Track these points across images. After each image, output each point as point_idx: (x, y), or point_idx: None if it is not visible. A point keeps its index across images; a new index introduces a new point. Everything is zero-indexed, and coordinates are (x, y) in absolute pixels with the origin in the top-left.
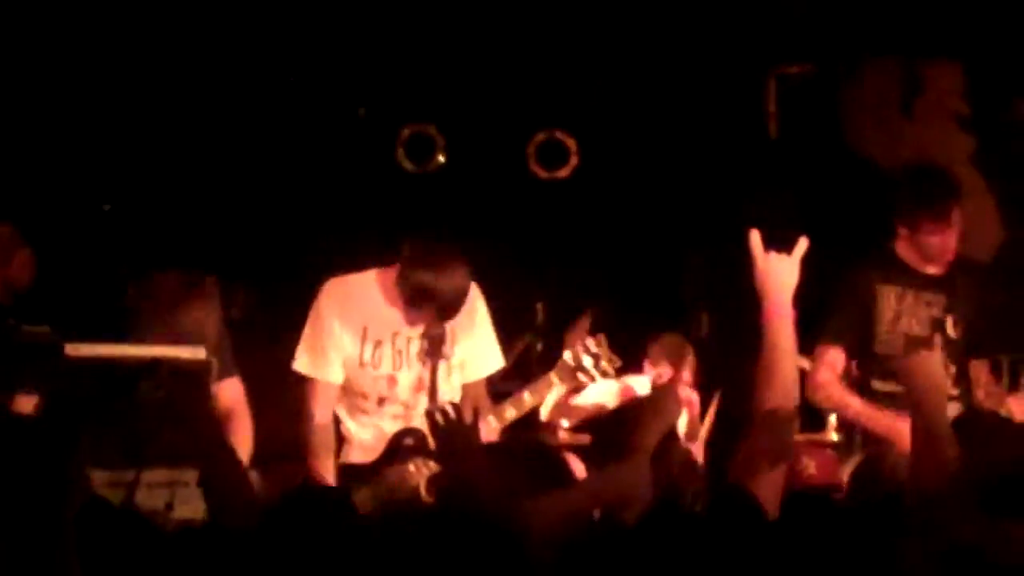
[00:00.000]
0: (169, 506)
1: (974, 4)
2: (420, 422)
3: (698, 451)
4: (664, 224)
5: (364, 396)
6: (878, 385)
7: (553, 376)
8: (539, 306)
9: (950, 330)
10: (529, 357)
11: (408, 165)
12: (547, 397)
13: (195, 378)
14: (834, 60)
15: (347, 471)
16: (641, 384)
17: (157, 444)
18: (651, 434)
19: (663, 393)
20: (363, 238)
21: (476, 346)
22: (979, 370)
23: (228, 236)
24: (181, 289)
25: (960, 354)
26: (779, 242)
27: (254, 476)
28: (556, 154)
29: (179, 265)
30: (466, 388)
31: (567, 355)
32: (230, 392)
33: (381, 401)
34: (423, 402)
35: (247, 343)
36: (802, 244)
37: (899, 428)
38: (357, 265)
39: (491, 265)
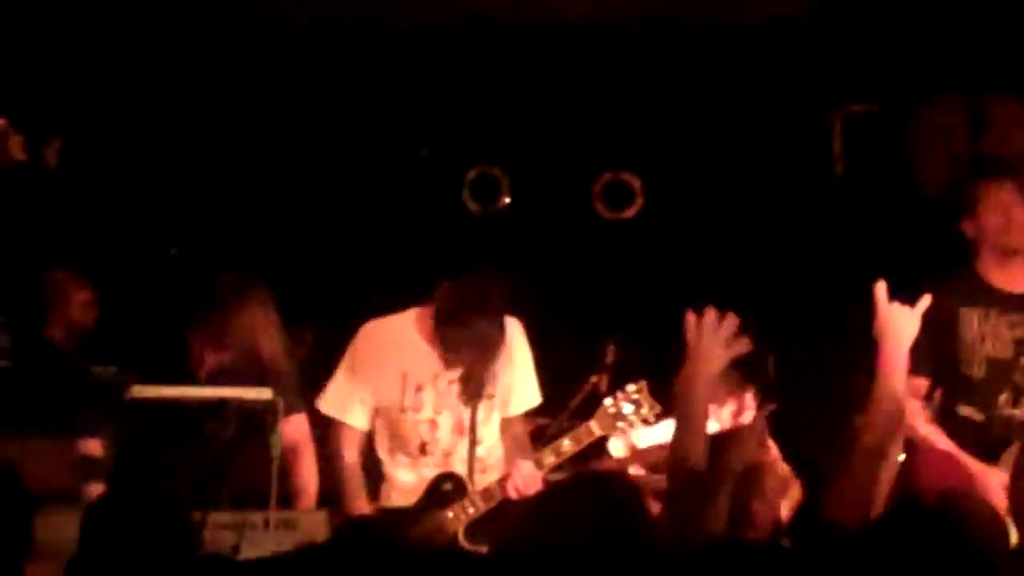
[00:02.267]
0: (236, 548)
1: None
2: (461, 468)
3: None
4: (730, 265)
5: (406, 441)
6: (963, 410)
7: (593, 424)
8: (609, 346)
9: None
10: (597, 396)
11: (474, 206)
12: (613, 439)
13: (261, 418)
14: (899, 99)
15: (386, 514)
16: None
17: (224, 485)
18: (728, 471)
19: (745, 429)
20: (429, 279)
21: (515, 382)
22: None
23: (296, 278)
24: (234, 288)
25: None
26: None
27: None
28: (621, 195)
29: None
30: (505, 423)
31: (608, 402)
32: (296, 428)
33: (423, 447)
34: (463, 447)
35: (314, 384)
36: (925, 299)
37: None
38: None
39: (557, 305)
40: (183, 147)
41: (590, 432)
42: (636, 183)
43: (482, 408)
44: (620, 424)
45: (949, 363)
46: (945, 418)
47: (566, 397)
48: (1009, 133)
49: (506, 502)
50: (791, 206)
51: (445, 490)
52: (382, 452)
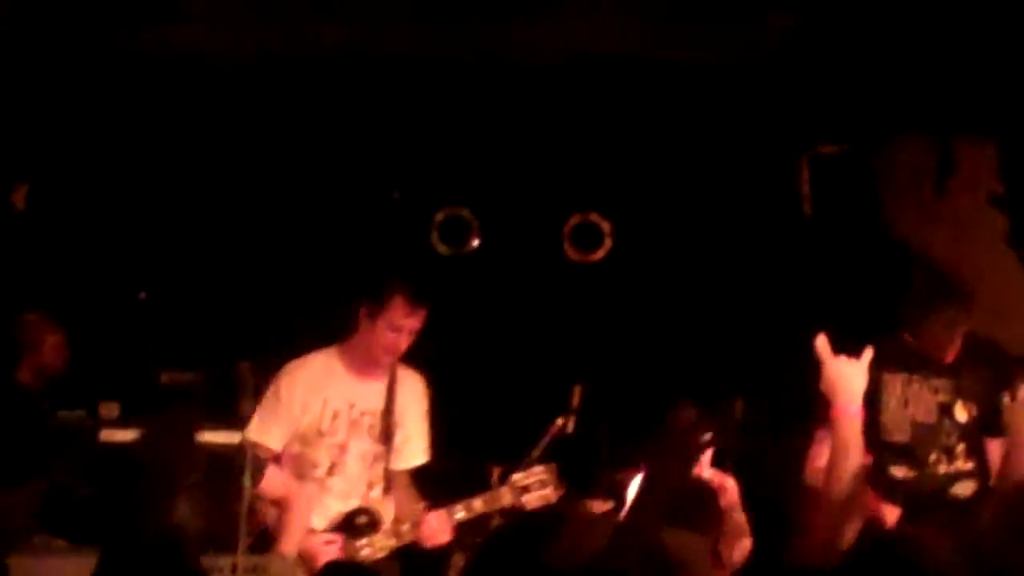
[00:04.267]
0: None
1: (1007, 82)
2: (358, 495)
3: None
4: (698, 306)
5: (316, 465)
6: (896, 471)
7: (504, 491)
8: (576, 389)
9: (958, 414)
10: (564, 439)
11: (443, 248)
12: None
13: (231, 461)
14: (867, 140)
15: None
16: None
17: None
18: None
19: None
20: None
21: (412, 437)
22: (995, 448)
23: (263, 319)
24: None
25: (974, 434)
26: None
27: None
28: (591, 237)
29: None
30: (394, 474)
31: (517, 477)
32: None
33: (331, 469)
34: (363, 478)
35: None
36: (868, 352)
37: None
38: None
39: (524, 347)
40: (150, 189)
41: (499, 499)
42: (606, 225)
43: (388, 448)
44: (524, 498)
45: (874, 428)
46: (876, 477)
47: (531, 439)
48: (976, 176)
49: (412, 545)
50: (760, 247)
51: (359, 523)
52: (290, 476)
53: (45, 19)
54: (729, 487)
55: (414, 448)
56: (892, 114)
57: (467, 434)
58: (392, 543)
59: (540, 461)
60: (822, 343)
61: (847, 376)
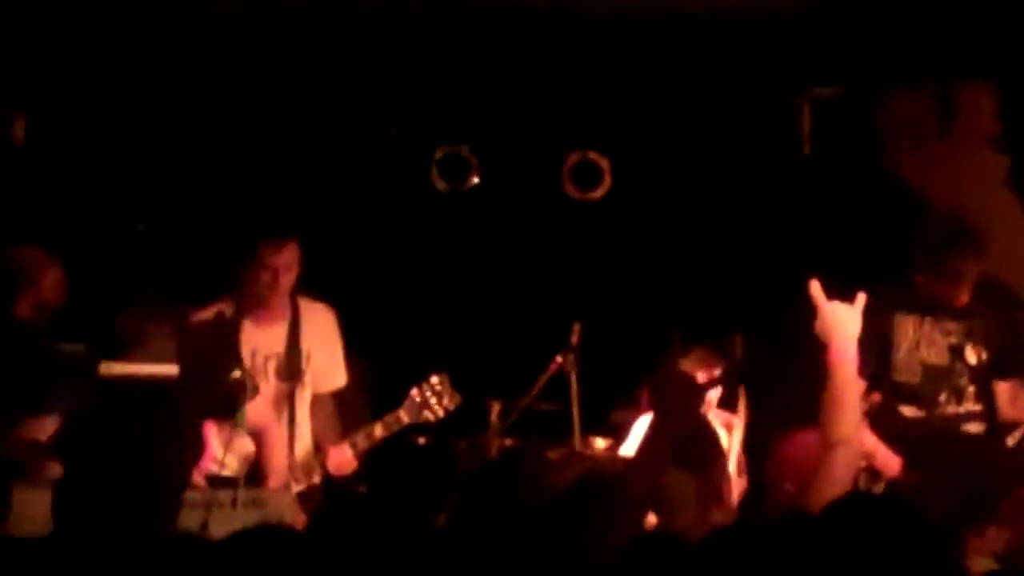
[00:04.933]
0: (205, 526)
1: (1008, 24)
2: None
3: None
4: (698, 244)
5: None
6: (905, 410)
7: (401, 412)
8: (575, 326)
9: (969, 357)
10: (565, 375)
11: (442, 185)
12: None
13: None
14: (867, 82)
15: (212, 481)
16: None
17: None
18: None
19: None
20: (397, 257)
21: (327, 363)
22: (1004, 390)
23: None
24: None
25: (984, 377)
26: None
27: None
28: (590, 175)
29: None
30: (316, 401)
31: (414, 392)
32: (258, 411)
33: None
34: (274, 416)
35: None
36: (862, 297)
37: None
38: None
39: (524, 285)
40: (150, 125)
41: (399, 420)
42: (604, 163)
43: (299, 385)
44: (425, 412)
45: (885, 368)
46: (884, 418)
47: (533, 375)
48: (977, 118)
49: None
50: (759, 186)
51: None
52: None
53: None
54: (735, 426)
55: (330, 373)
56: (891, 57)
57: (467, 371)
58: (303, 481)
59: (540, 399)
60: (816, 288)
61: (842, 320)
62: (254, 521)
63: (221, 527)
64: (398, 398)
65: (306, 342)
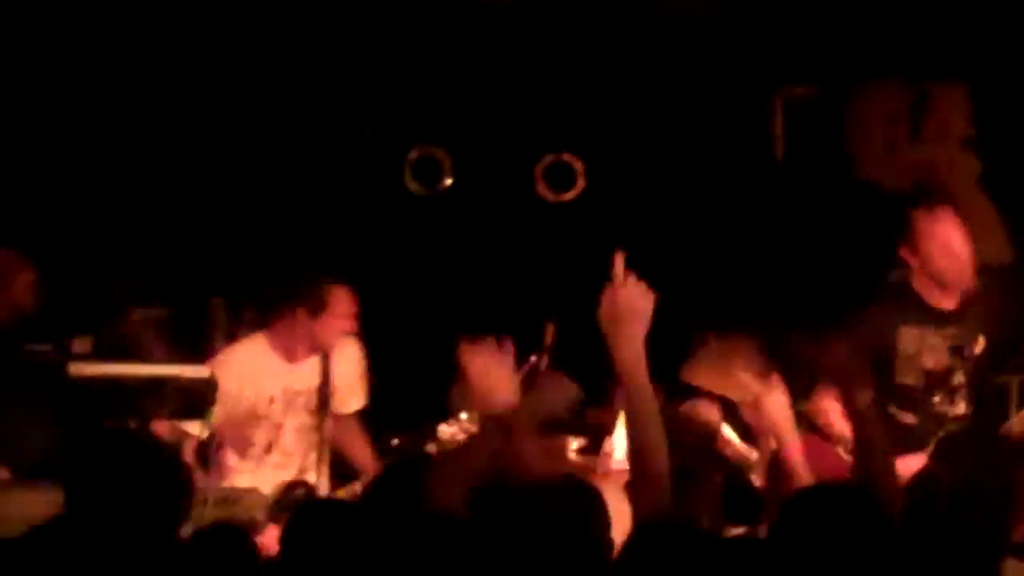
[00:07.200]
0: None
1: (980, 25)
2: (295, 466)
3: None
4: (670, 247)
5: (253, 444)
6: (895, 412)
7: (431, 447)
8: (548, 327)
9: (968, 351)
10: (536, 377)
11: (415, 187)
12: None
13: (200, 396)
14: (840, 81)
15: None
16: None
17: None
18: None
19: None
20: (370, 259)
21: (351, 390)
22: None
23: (235, 258)
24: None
25: (981, 370)
26: None
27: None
28: (563, 177)
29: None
30: (338, 418)
31: (443, 428)
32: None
33: (268, 447)
34: (302, 448)
35: None
36: (619, 257)
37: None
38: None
39: (498, 286)
40: (121, 122)
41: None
42: (578, 165)
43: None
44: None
45: (886, 373)
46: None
47: None
48: (949, 118)
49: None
50: (731, 188)
51: (296, 495)
52: (230, 457)
53: None
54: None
55: (352, 397)
56: (864, 57)
57: (440, 372)
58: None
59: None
60: (619, 260)
61: (639, 298)
62: (225, 519)
63: (192, 524)
64: (371, 398)
65: (337, 377)
